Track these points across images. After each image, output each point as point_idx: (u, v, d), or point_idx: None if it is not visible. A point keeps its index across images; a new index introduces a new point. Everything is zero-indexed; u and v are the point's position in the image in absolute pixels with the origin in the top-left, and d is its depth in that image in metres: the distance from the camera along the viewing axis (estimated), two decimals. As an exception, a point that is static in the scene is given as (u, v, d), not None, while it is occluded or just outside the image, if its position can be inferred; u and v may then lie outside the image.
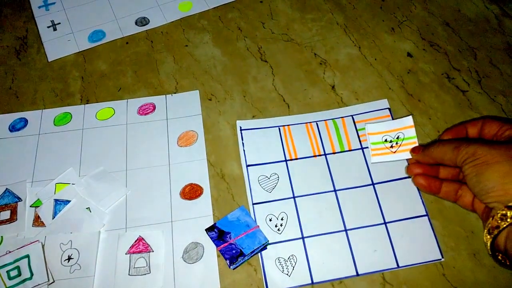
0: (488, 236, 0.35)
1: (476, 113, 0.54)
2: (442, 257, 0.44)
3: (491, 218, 0.34)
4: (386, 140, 0.47)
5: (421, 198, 0.48)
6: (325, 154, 0.51)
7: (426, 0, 0.65)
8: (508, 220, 0.32)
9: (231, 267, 0.44)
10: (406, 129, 0.47)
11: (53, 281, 0.43)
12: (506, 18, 0.63)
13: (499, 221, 0.33)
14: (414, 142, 0.46)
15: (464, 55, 0.59)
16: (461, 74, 0.57)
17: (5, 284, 0.42)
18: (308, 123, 0.54)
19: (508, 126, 0.39)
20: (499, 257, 0.36)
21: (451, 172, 0.43)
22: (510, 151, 0.35)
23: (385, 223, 0.47)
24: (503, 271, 0.43)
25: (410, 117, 0.48)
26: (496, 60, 0.58)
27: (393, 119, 0.53)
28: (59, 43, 0.62)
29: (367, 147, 0.51)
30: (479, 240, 0.45)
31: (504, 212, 0.33)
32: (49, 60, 0.60)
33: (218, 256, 0.45)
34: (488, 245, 0.35)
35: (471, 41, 0.60)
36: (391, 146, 0.47)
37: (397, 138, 0.47)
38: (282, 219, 0.47)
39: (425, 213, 0.47)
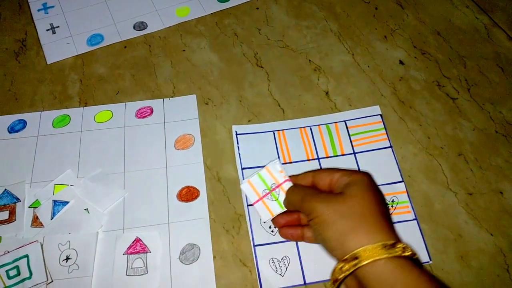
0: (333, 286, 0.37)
1: (465, 120, 0.55)
2: (430, 260, 0.46)
3: (332, 271, 0.36)
4: None
5: (410, 202, 0.49)
6: (318, 158, 0.53)
7: (418, 10, 0.67)
8: (344, 273, 0.35)
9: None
10: (400, 194, 0.50)
11: (52, 281, 0.44)
12: (495, 28, 0.65)
13: (338, 274, 0.35)
14: (407, 206, 0.49)
15: (454, 63, 0.61)
16: (451, 82, 0.59)
17: (4, 284, 0.42)
18: (302, 128, 0.55)
19: (340, 174, 0.41)
20: None
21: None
22: (342, 206, 0.37)
23: (376, 226, 0.48)
24: (490, 273, 0.45)
25: (403, 183, 0.50)
26: (484, 69, 0.60)
27: (384, 126, 0.55)
28: (58, 46, 0.63)
29: (359, 152, 0.53)
30: (466, 243, 0.47)
31: (340, 265, 0.35)
32: (48, 63, 0.61)
33: (214, 257, 0.46)
34: None
35: (461, 50, 0.62)
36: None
37: (392, 201, 0.49)
38: (276, 222, 0.48)
39: (414, 217, 0.48)
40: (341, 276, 0.35)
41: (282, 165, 0.46)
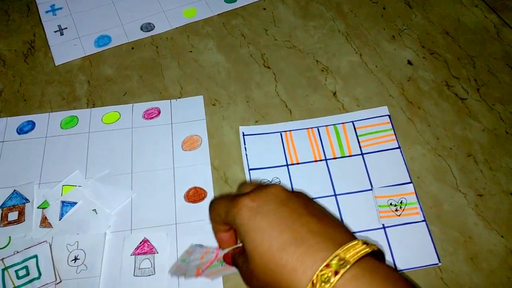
0: None
1: (474, 121, 0.55)
2: (439, 262, 0.45)
3: None
4: (391, 204, 0.49)
5: (419, 204, 0.49)
6: (325, 159, 0.52)
7: (426, 9, 0.66)
8: None
9: None
10: (408, 195, 0.49)
11: (60, 281, 0.44)
12: (505, 27, 0.64)
13: None
14: (416, 208, 0.49)
15: (463, 63, 0.60)
16: (460, 82, 0.58)
17: (13, 284, 0.43)
18: (310, 129, 0.55)
19: (223, 215, 0.35)
20: None
21: None
22: (254, 265, 0.31)
23: (384, 227, 0.48)
24: (500, 275, 0.45)
25: (411, 184, 0.50)
26: (494, 69, 0.59)
27: (392, 126, 0.54)
28: (66, 48, 0.63)
29: (367, 153, 0.53)
30: (476, 245, 0.46)
31: None
32: (56, 64, 0.61)
33: (221, 258, 0.46)
34: None
35: (470, 50, 0.61)
36: (396, 210, 0.48)
37: (401, 202, 0.49)
38: (283, 223, 0.48)
39: (423, 219, 0.48)
40: None
41: (199, 248, 0.43)
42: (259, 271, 0.31)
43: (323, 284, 0.27)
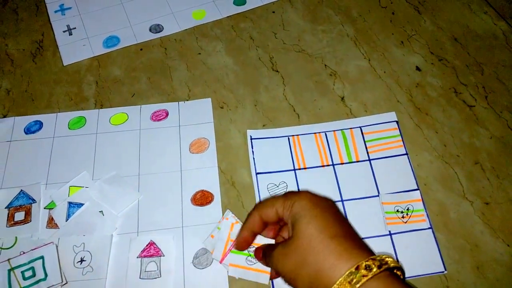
0: None
1: (482, 128, 0.55)
2: (445, 270, 0.45)
3: None
4: (397, 211, 0.49)
5: (425, 211, 0.49)
6: (333, 165, 0.52)
7: (435, 15, 0.66)
8: None
9: None
10: (415, 202, 0.49)
11: (66, 282, 0.44)
12: (514, 35, 0.64)
13: None
14: (422, 215, 0.49)
15: (472, 70, 0.60)
16: (468, 89, 0.58)
17: (20, 284, 0.43)
18: (317, 133, 0.55)
19: (281, 206, 0.39)
20: None
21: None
22: (297, 255, 0.36)
23: (390, 234, 0.48)
24: (506, 284, 0.44)
25: (418, 191, 0.50)
26: (502, 76, 0.59)
27: (400, 132, 0.54)
28: (74, 48, 0.63)
29: (374, 159, 0.52)
30: (483, 253, 0.46)
31: None
32: (64, 64, 0.61)
33: (227, 262, 0.46)
34: None
35: (479, 56, 0.61)
36: (403, 217, 0.48)
37: (407, 209, 0.49)
38: (290, 228, 0.48)
39: (429, 226, 0.48)
40: None
41: (231, 213, 0.47)
42: (302, 249, 0.36)
43: (365, 271, 0.32)
